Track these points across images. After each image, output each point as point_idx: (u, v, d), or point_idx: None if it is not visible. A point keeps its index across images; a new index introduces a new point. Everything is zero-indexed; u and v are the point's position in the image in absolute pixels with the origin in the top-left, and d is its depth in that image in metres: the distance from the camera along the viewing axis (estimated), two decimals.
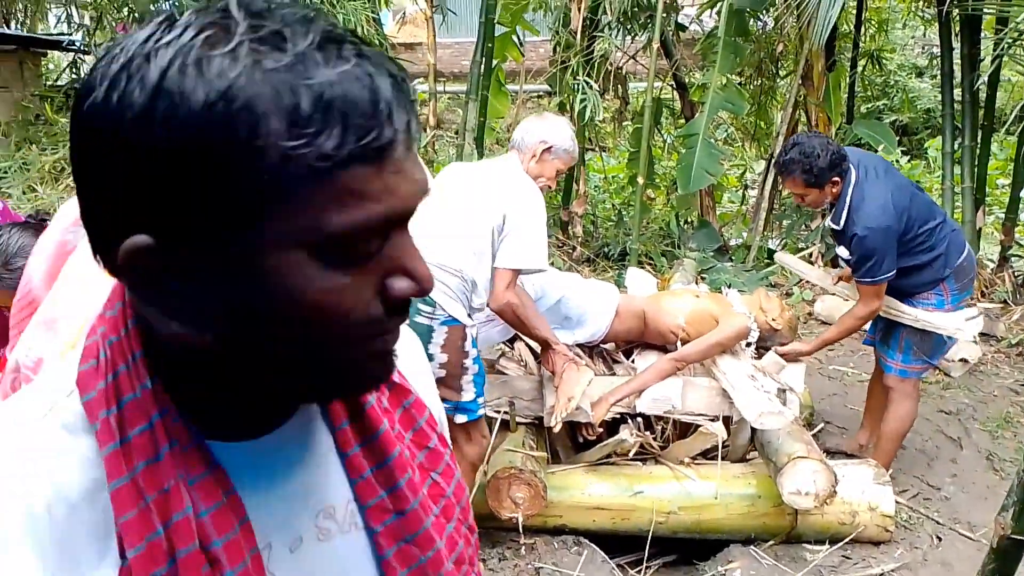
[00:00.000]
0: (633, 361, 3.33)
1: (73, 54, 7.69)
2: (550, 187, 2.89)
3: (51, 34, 8.04)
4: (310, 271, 0.49)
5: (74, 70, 7.70)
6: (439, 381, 2.54)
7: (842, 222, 3.10)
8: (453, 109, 11.97)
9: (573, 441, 3.25)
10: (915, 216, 3.10)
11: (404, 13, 11.06)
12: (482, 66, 6.32)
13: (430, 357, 2.56)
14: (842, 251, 3.20)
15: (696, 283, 5.55)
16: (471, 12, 7.68)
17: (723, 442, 3.11)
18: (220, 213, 0.47)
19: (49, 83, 7.73)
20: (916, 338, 3.22)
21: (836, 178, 3.06)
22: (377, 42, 6.07)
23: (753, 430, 3.16)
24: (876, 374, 3.55)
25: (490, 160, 2.84)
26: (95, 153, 0.48)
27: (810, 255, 6.01)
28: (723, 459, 3.16)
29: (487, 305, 2.74)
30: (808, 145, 3.06)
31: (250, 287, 0.49)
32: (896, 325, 3.27)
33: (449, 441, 0.74)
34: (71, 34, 7.54)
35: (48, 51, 8.00)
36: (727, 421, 3.13)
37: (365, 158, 0.48)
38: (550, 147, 2.74)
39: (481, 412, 2.76)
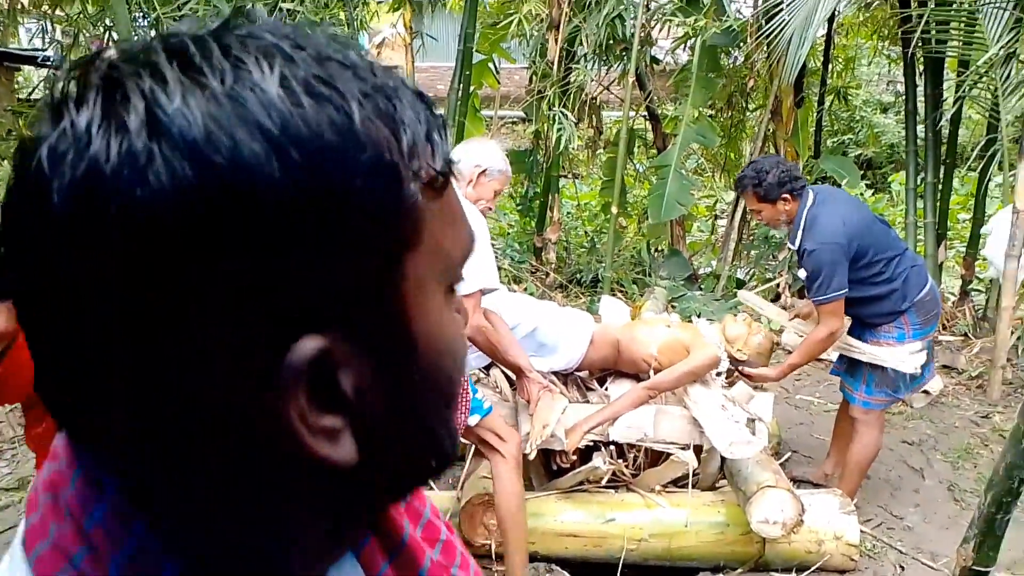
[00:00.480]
0: (607, 389, 3.37)
1: (48, 69, 7.63)
2: (491, 208, 2.94)
3: (25, 49, 7.97)
4: (446, 309, 0.43)
5: (48, 85, 7.63)
6: None
7: (797, 241, 3.22)
8: None
9: (547, 468, 3.28)
10: (871, 243, 3.18)
11: (383, 38, 11.13)
12: (459, 93, 6.40)
13: None
14: (802, 273, 3.29)
15: (667, 311, 5.64)
16: (449, 37, 7.78)
17: (694, 470, 3.17)
18: (371, 263, 0.38)
19: (21, 97, 7.66)
20: (877, 372, 3.31)
21: (787, 195, 3.19)
22: None
23: (723, 459, 3.21)
24: (843, 405, 3.63)
25: None
26: (190, 252, 0.34)
27: (777, 286, 6.14)
28: (694, 487, 3.21)
29: None
30: (761, 163, 3.27)
31: (408, 344, 0.41)
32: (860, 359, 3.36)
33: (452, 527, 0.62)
34: (45, 49, 7.48)
35: (21, 66, 7.93)
36: (698, 450, 3.18)
37: (450, 175, 0.42)
38: (484, 170, 2.80)
39: (488, 404, 2.73)
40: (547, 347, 3.24)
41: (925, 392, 4.61)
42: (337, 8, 5.62)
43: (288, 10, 5.39)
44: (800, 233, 3.19)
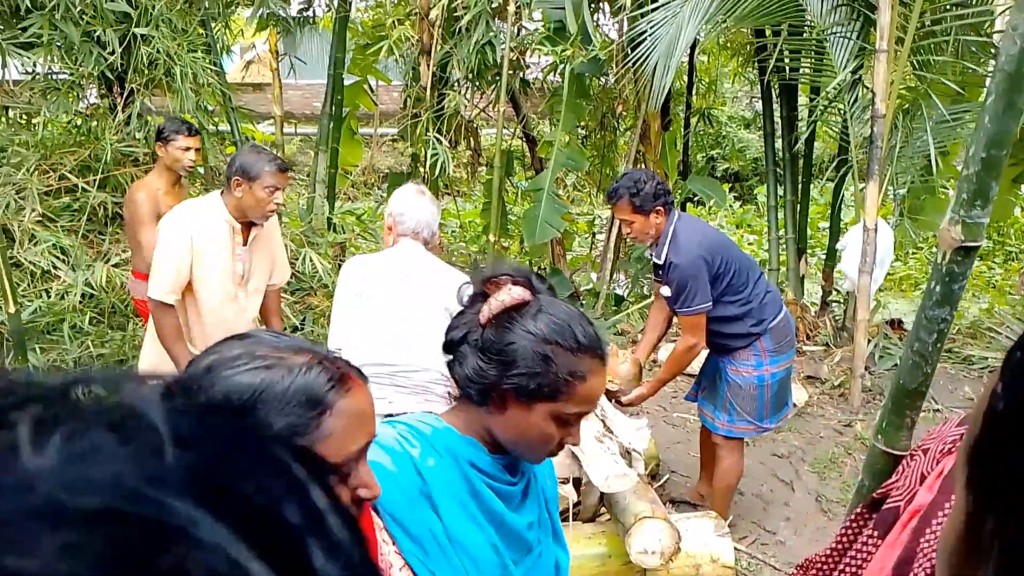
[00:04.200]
0: None
1: None
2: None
3: None
4: None
5: None
6: None
7: (663, 255, 3.29)
8: (305, 151, 11.76)
9: None
10: (729, 261, 3.30)
11: (255, 55, 10.75)
12: (330, 118, 6.27)
13: None
14: (665, 290, 3.36)
15: None
16: (323, 54, 7.61)
17: (574, 503, 3.18)
18: None
19: None
20: (739, 398, 3.40)
21: (660, 208, 3.24)
22: (220, 93, 5.89)
23: None
24: (704, 428, 3.71)
25: (397, 252, 2.84)
26: None
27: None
28: (575, 519, 3.22)
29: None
30: (636, 174, 3.35)
31: None
32: (719, 383, 3.45)
33: None
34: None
35: None
36: (577, 482, 3.20)
37: None
38: (435, 233, 2.87)
39: None
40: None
41: (794, 404, 4.84)
42: (194, 33, 5.40)
43: (143, 35, 5.13)
44: (667, 247, 3.26)
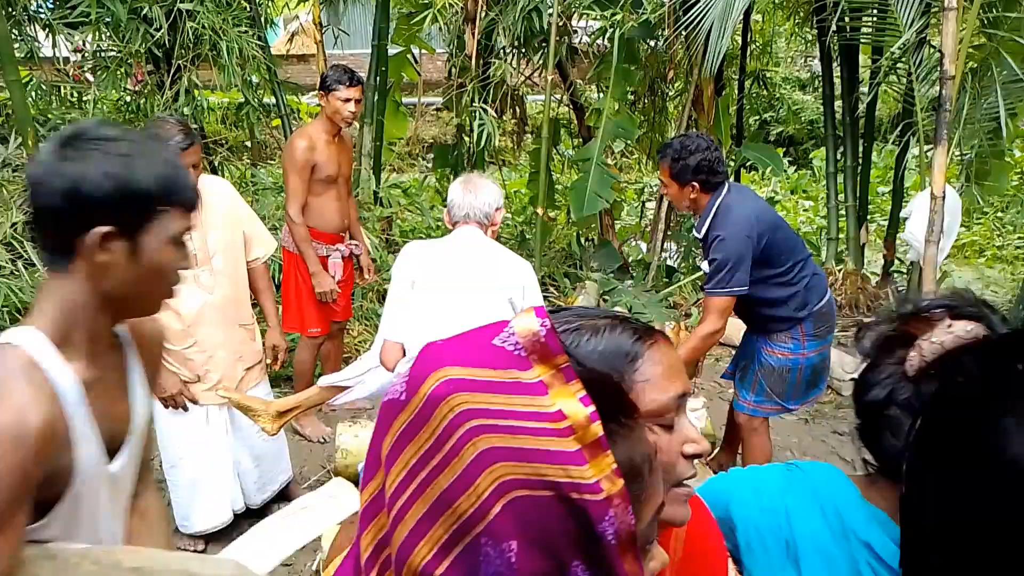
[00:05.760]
0: None
1: None
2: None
3: None
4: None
5: None
6: None
7: (704, 229, 3.11)
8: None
9: None
10: (777, 242, 3.10)
11: (298, 25, 10.71)
12: (375, 89, 6.20)
13: None
14: (705, 266, 3.17)
15: (599, 306, 5.58)
16: (367, 23, 7.52)
17: None
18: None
19: None
20: (770, 379, 3.26)
21: (696, 183, 3.07)
22: (265, 66, 5.86)
23: None
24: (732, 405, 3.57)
25: (453, 239, 2.85)
26: None
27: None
28: None
29: None
30: (691, 141, 3.12)
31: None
32: (752, 364, 3.31)
33: None
34: None
35: None
36: None
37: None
38: (500, 207, 2.88)
39: None
40: None
41: (853, 379, 4.66)
42: (238, 6, 5.35)
43: (188, 11, 5.11)
44: (708, 222, 3.09)
